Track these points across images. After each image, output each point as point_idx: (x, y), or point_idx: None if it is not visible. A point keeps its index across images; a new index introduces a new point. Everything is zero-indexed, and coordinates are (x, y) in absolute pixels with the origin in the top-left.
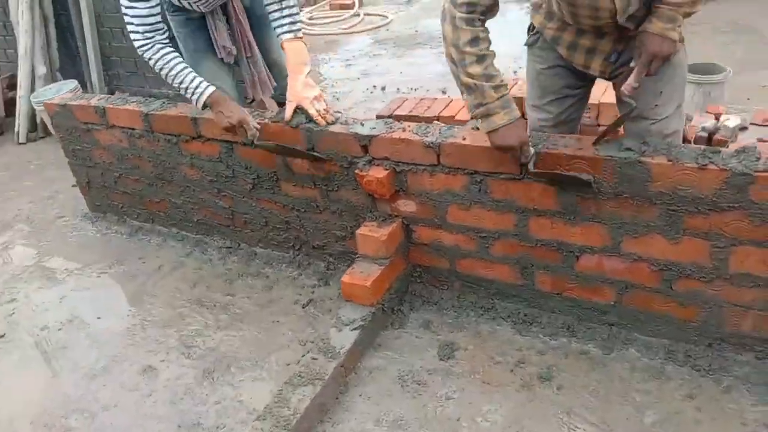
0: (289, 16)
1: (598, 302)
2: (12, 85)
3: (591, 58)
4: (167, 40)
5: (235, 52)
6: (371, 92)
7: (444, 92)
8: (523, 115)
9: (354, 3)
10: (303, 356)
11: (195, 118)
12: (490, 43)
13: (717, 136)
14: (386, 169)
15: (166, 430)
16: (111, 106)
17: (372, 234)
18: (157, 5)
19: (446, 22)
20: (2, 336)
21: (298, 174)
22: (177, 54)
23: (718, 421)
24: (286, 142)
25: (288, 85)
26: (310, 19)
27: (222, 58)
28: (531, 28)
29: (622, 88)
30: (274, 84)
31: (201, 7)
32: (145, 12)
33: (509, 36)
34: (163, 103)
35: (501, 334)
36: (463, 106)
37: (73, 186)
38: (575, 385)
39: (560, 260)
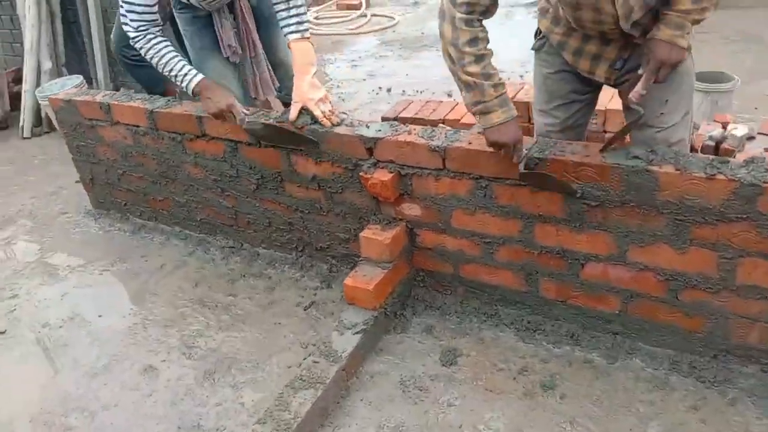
0: (297, 15)
1: (602, 311)
2: (18, 80)
3: (596, 65)
4: (159, 31)
5: (240, 51)
6: (377, 94)
7: (450, 95)
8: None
9: (361, 3)
10: (304, 359)
11: (200, 116)
12: (488, 42)
13: (724, 145)
14: (391, 172)
15: (166, 430)
16: (116, 102)
17: (376, 237)
18: (155, 3)
19: (445, 21)
20: (3, 332)
21: (302, 175)
22: (168, 43)
23: None
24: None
25: (294, 86)
26: (316, 18)
27: (228, 57)
28: (538, 33)
29: (630, 96)
30: (277, 84)
31: (206, 6)
32: (141, 9)
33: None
34: (168, 100)
35: (504, 340)
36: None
37: (77, 182)
38: (578, 394)
39: (565, 267)
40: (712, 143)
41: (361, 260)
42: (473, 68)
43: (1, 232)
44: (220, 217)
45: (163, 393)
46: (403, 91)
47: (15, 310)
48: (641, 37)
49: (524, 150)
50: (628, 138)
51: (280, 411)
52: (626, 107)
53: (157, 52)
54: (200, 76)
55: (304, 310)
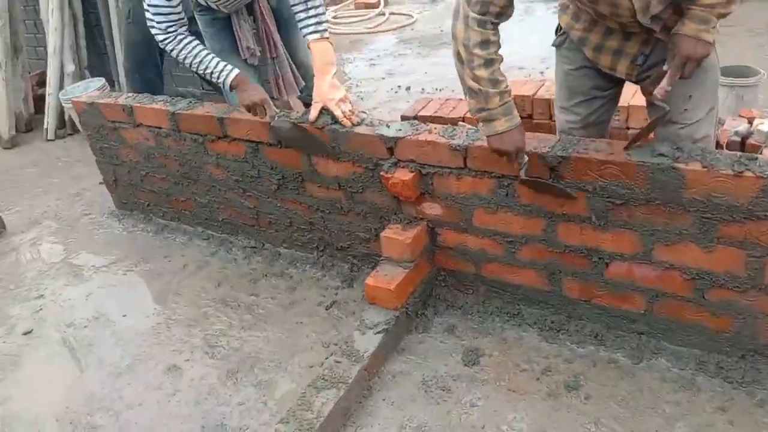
0: (315, 16)
1: (627, 310)
2: (41, 83)
3: (617, 61)
4: (187, 30)
5: (259, 53)
6: (396, 92)
7: None
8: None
9: (379, 2)
10: (326, 359)
11: (221, 117)
12: (499, 47)
13: (750, 141)
14: (412, 172)
15: (190, 430)
16: (138, 104)
17: (397, 237)
18: (179, 3)
19: (458, 20)
20: (30, 332)
21: (323, 175)
22: (198, 42)
23: None
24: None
25: (314, 86)
26: (335, 18)
27: (245, 59)
28: (558, 29)
29: (655, 92)
30: (302, 84)
31: (223, 8)
32: (166, 10)
33: (537, 36)
34: (190, 102)
35: (527, 340)
36: None
37: (100, 183)
38: (603, 394)
39: (589, 267)
40: (737, 139)
41: (382, 260)
42: (481, 72)
43: (26, 233)
44: (242, 218)
45: (186, 392)
46: (422, 89)
47: (41, 310)
48: (662, 32)
49: (526, 157)
50: (651, 135)
51: (303, 410)
52: (650, 104)
53: (190, 51)
54: (236, 71)
55: (326, 309)
